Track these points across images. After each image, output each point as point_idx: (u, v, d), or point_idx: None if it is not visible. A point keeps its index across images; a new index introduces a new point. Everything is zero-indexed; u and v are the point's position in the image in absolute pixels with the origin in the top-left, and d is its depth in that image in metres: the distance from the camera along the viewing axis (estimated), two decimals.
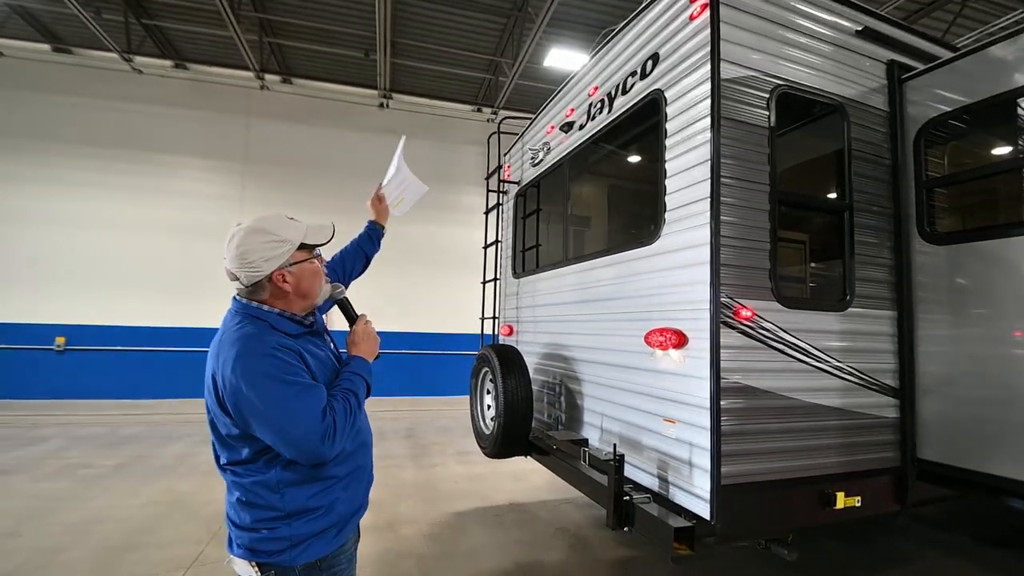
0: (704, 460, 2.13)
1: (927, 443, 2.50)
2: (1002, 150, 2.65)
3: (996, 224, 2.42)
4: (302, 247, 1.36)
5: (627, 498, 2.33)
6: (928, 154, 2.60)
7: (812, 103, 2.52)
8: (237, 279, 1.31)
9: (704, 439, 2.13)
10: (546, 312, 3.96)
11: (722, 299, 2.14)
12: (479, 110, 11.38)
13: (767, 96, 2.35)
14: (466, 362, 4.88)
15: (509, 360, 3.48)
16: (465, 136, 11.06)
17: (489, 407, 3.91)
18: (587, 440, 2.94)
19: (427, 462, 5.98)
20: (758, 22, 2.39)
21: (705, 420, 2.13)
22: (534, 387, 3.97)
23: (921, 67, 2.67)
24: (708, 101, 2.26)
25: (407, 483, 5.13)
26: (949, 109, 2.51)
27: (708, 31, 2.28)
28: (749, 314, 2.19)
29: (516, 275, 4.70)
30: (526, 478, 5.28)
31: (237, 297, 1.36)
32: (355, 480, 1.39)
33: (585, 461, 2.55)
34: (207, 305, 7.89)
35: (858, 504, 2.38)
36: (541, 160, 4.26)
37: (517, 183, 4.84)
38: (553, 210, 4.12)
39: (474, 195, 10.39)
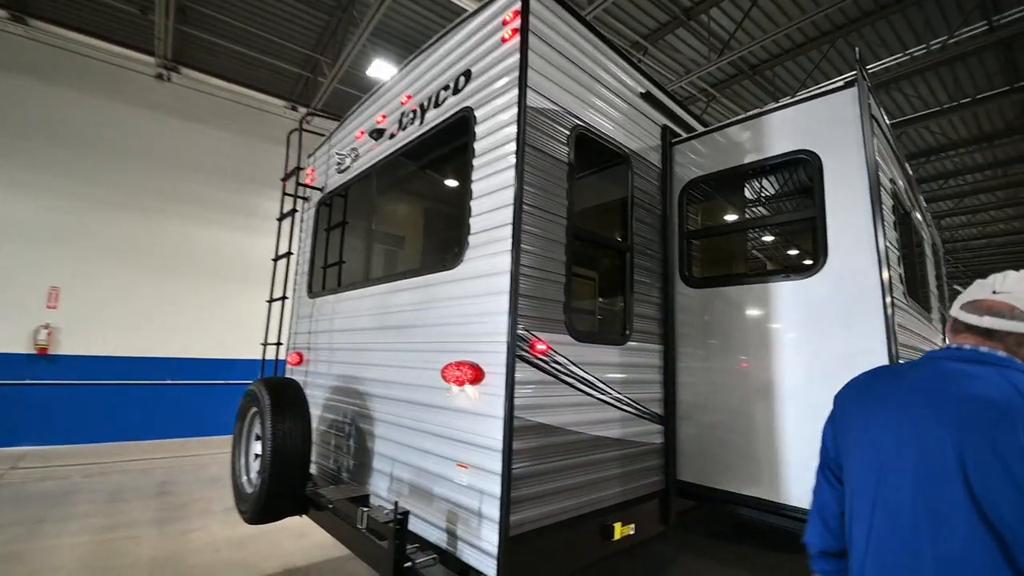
0: (493, 509, 1.93)
1: (684, 465, 2.80)
2: (733, 214, 3.25)
3: (732, 273, 2.90)
4: None
5: (408, 564, 1.99)
6: (688, 209, 3.03)
7: (606, 149, 2.69)
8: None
9: (494, 485, 1.94)
10: (342, 339, 3.44)
11: (519, 331, 2.02)
12: (294, 108, 10.17)
13: (568, 133, 2.41)
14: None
15: (284, 397, 2.84)
16: (274, 134, 9.69)
17: (258, 457, 3.15)
18: (368, 496, 2.51)
19: (180, 528, 4.63)
20: (565, 62, 2.46)
21: (497, 464, 1.95)
22: (323, 428, 3.37)
23: (685, 135, 3.13)
24: (515, 126, 2.19)
25: (141, 563, 3.83)
26: (703, 173, 2.96)
27: (517, 56, 2.24)
28: (544, 348, 2.13)
29: (311, 294, 4.04)
30: (310, 534, 4.46)
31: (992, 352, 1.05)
32: None
33: (362, 524, 2.12)
34: None
35: (632, 532, 2.49)
36: (348, 167, 3.79)
37: (320, 190, 4.24)
38: (358, 224, 3.67)
39: (276, 200, 9.08)
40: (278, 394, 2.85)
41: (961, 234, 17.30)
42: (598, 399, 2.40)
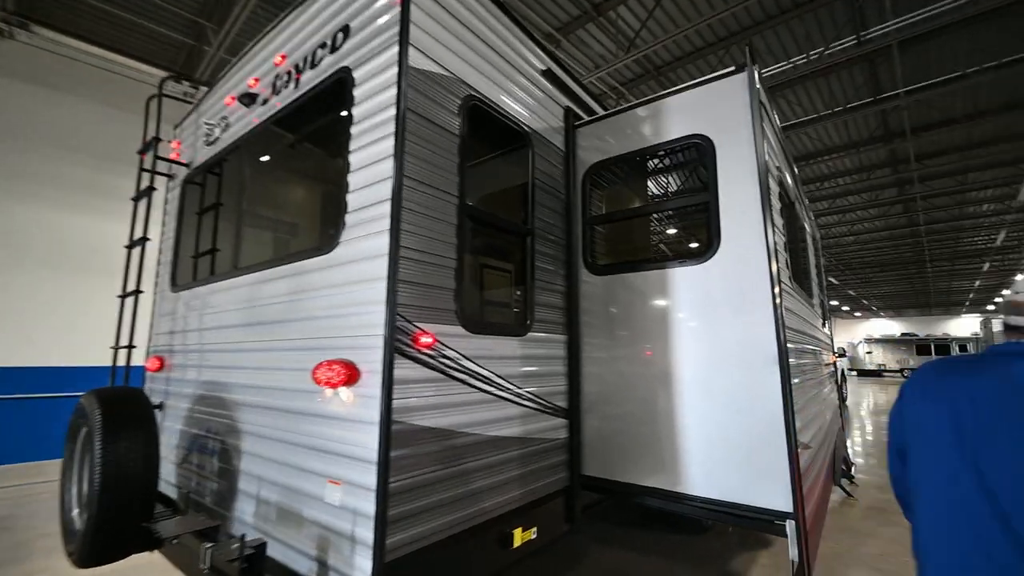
0: (367, 532, 1.66)
1: (590, 459, 2.70)
2: (635, 199, 3.22)
3: (634, 260, 2.85)
4: None
5: None
6: (592, 194, 2.93)
7: (505, 126, 2.49)
8: None
9: (368, 503, 1.67)
10: (209, 339, 2.93)
11: (399, 323, 1.76)
12: (179, 81, 8.92)
13: (460, 103, 2.17)
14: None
15: (120, 412, 2.32)
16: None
17: None
18: (219, 527, 2.12)
19: (20, 570, 3.79)
20: (456, 24, 2.22)
21: (371, 478, 1.68)
22: (186, 445, 2.86)
23: (588, 118, 3.03)
24: (395, 89, 1.91)
25: None
26: (605, 157, 2.88)
27: (399, 10, 1.96)
28: (430, 341, 1.88)
29: (175, 287, 3.45)
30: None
31: None
32: None
33: (205, 564, 1.74)
34: None
35: (534, 536, 2.34)
36: (217, 139, 3.26)
37: (187, 165, 3.63)
38: (228, 204, 3.16)
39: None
40: (113, 408, 2.33)
41: (834, 231, 19.62)
42: (496, 396, 2.20)
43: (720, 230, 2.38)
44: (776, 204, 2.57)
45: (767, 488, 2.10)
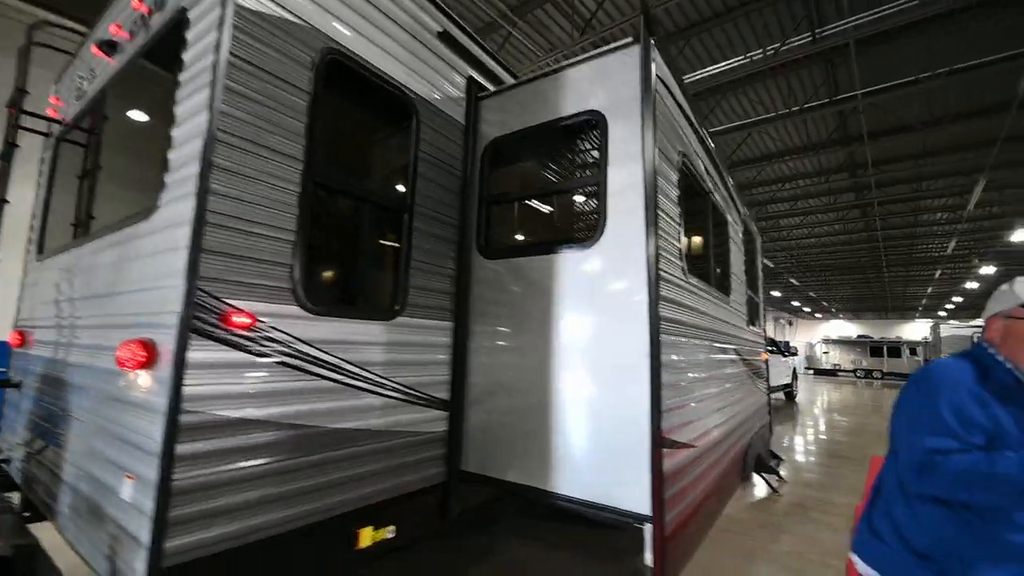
0: (144, 532, 1.45)
1: (470, 455, 2.54)
2: (533, 178, 3.03)
3: (527, 243, 2.67)
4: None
5: None
6: (491, 173, 2.73)
7: (381, 89, 2.26)
8: None
9: (148, 500, 1.46)
10: (57, 313, 2.64)
11: (201, 299, 1.53)
12: (59, 26, 8.18)
13: (314, 56, 1.93)
14: None
15: None
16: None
17: None
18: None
19: None
20: None
21: (153, 472, 1.46)
22: (31, 427, 2.59)
23: (493, 89, 2.82)
24: (216, 33, 1.66)
25: None
26: (505, 132, 2.68)
27: None
28: (247, 321, 1.66)
29: (40, 255, 3.12)
30: None
31: None
32: None
33: None
34: None
35: (391, 535, 2.17)
36: (85, 93, 2.93)
37: (60, 122, 3.28)
38: (89, 163, 2.84)
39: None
40: None
41: (795, 234, 19.95)
42: (347, 385, 2.00)
43: (607, 214, 2.22)
44: (672, 191, 2.42)
45: (627, 490, 1.97)
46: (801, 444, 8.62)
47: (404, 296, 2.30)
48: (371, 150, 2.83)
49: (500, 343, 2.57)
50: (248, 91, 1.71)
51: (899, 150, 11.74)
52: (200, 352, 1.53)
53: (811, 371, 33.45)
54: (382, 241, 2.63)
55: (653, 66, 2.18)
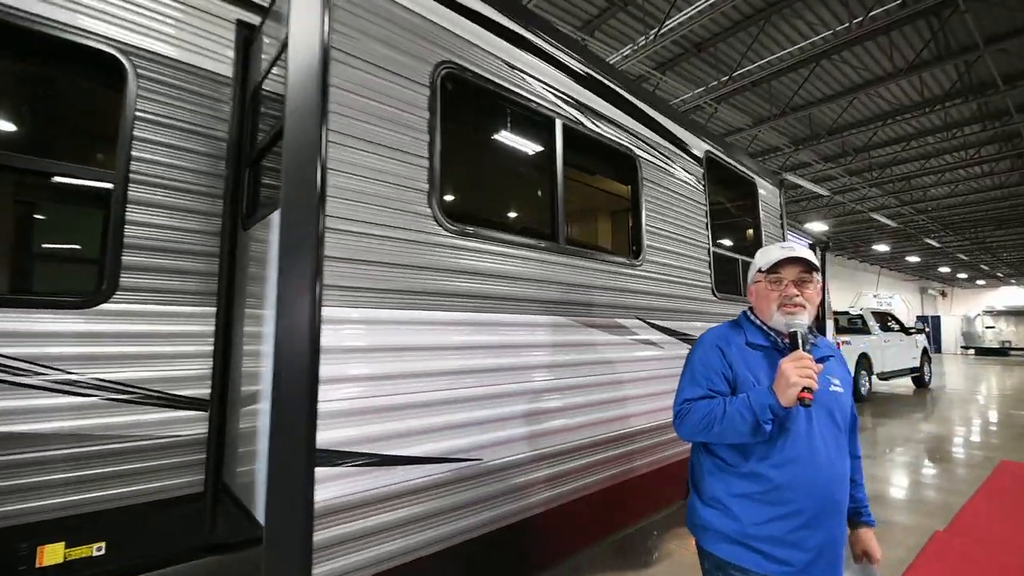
0: None
1: (235, 465, 2.15)
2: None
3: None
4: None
5: None
6: (259, 128, 2.29)
7: (53, 39, 1.92)
8: None
9: None
10: None
11: None
12: None
13: None
14: None
15: None
16: None
17: None
18: None
19: None
20: None
21: None
22: None
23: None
24: None
25: None
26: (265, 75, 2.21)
27: None
28: None
29: None
30: None
31: None
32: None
33: None
34: None
35: (100, 552, 1.88)
36: None
37: None
38: None
39: None
40: None
41: (932, 193, 16.44)
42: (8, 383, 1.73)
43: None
44: (414, 112, 1.77)
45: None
46: (918, 453, 6.54)
47: (114, 279, 1.97)
48: (69, 111, 2.54)
49: (263, 329, 2.13)
50: None
51: None
52: None
53: (970, 351, 27.29)
54: (86, 215, 2.34)
55: None
